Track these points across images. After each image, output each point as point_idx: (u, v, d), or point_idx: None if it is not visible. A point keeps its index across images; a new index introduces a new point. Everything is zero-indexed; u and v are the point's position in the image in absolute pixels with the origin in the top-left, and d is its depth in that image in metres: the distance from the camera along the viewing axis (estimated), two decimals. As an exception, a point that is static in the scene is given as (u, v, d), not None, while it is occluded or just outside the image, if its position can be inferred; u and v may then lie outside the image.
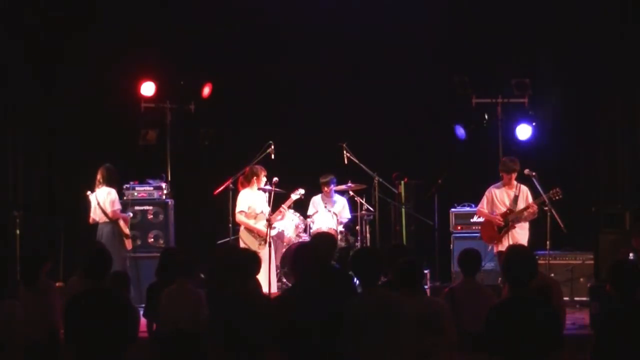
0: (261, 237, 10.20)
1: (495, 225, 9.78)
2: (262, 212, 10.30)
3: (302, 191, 10.74)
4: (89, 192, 10.22)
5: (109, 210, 10.05)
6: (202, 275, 8.62)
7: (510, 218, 9.69)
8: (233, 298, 5.99)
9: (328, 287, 5.99)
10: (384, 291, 5.70)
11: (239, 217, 10.29)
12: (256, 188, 10.35)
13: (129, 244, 10.28)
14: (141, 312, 7.22)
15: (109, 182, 10.16)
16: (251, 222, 10.24)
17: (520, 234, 9.69)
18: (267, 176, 10.39)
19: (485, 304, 6.18)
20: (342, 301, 5.50)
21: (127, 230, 10.24)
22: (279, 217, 10.51)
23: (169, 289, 6.41)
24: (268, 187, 10.43)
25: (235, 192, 10.53)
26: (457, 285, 6.78)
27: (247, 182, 10.36)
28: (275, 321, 5.70)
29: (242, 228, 10.32)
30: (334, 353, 5.39)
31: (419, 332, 5.56)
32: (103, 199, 10.08)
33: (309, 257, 6.07)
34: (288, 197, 10.60)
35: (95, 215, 10.14)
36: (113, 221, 10.09)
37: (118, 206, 10.18)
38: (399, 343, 5.33)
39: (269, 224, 10.18)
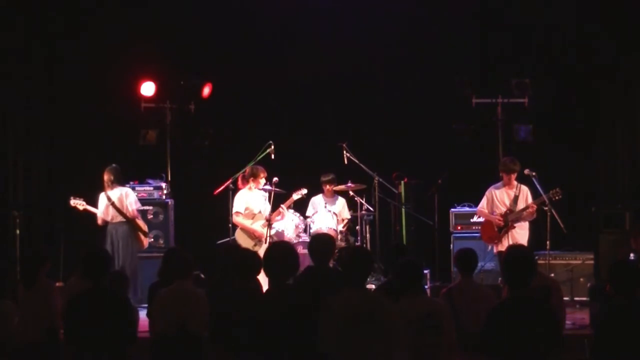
0: (257, 238, 10.21)
1: (495, 225, 9.78)
2: (260, 212, 10.30)
3: (304, 191, 10.74)
4: (72, 198, 10.12)
5: (130, 209, 10.06)
6: (202, 275, 8.63)
7: (510, 218, 9.69)
8: (234, 297, 5.98)
9: (326, 287, 5.99)
10: (369, 291, 5.71)
11: (235, 218, 10.32)
12: (254, 189, 10.35)
13: (146, 242, 10.33)
14: (143, 312, 7.26)
15: (120, 182, 10.18)
16: (248, 223, 10.25)
17: (520, 234, 9.69)
18: (267, 176, 10.38)
19: (483, 303, 6.20)
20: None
21: (146, 228, 10.28)
22: (279, 217, 10.51)
23: (167, 289, 6.42)
24: (268, 187, 10.44)
25: (235, 192, 10.54)
26: (455, 285, 6.78)
27: (246, 182, 10.37)
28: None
29: (238, 228, 10.34)
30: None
31: (417, 333, 5.56)
32: (118, 198, 10.06)
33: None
34: (290, 196, 10.59)
35: (107, 216, 10.10)
36: (129, 220, 10.10)
37: (139, 205, 10.23)
38: (381, 345, 5.34)
39: (269, 224, 10.19)
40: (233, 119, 12.29)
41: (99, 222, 10.16)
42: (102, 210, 10.11)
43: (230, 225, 10.65)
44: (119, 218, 10.07)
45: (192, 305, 6.29)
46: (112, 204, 10.05)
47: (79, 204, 10.12)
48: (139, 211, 10.37)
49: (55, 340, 6.77)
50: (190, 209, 11.77)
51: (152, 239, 11.02)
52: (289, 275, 5.75)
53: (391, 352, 5.34)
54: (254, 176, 10.30)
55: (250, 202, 10.32)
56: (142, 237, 10.22)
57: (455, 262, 6.88)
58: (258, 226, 10.27)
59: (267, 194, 10.45)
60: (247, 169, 10.39)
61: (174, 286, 6.39)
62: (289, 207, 10.66)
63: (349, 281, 5.50)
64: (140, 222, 10.25)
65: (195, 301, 6.33)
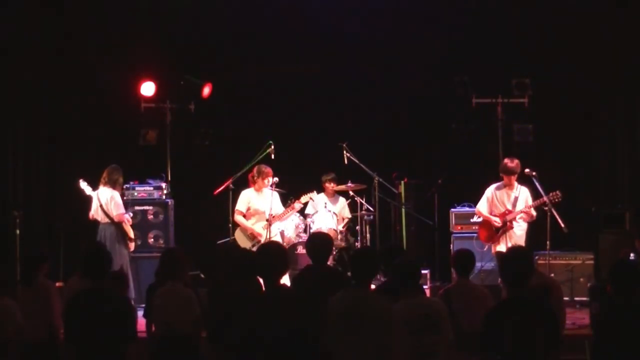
0: (254, 238, 10.21)
1: (492, 225, 9.77)
2: (263, 212, 10.29)
3: (315, 194, 10.73)
4: (81, 180, 10.14)
5: (114, 213, 10.04)
6: (202, 275, 8.64)
7: (508, 219, 9.68)
8: (233, 298, 5.98)
9: (323, 286, 5.99)
10: (366, 291, 5.72)
11: (235, 217, 10.37)
12: (262, 189, 10.36)
13: (132, 246, 10.27)
14: (141, 313, 7.26)
15: (111, 184, 10.15)
16: (248, 222, 10.26)
17: (518, 234, 9.68)
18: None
19: (480, 303, 6.21)
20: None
21: (131, 233, 10.23)
22: (291, 211, 10.51)
23: (161, 290, 6.42)
24: (268, 187, 10.43)
25: (236, 192, 10.55)
26: (452, 286, 6.79)
27: (253, 182, 10.41)
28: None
29: (238, 228, 10.36)
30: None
31: (416, 333, 5.57)
32: (106, 201, 10.05)
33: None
34: (298, 198, 10.53)
35: (97, 215, 10.11)
36: (116, 223, 10.08)
37: (122, 210, 10.17)
38: (375, 344, 5.36)
39: (269, 223, 10.19)
40: (233, 119, 12.29)
41: (89, 217, 10.17)
42: (94, 209, 10.13)
43: (230, 225, 10.66)
44: (106, 219, 10.08)
45: (181, 306, 6.30)
46: (100, 205, 10.06)
47: (86, 188, 10.14)
48: (130, 215, 10.34)
49: (56, 340, 6.77)
50: (190, 209, 11.77)
51: (152, 239, 11.03)
52: (279, 276, 5.71)
53: (386, 352, 5.37)
54: (261, 176, 10.30)
55: (254, 201, 10.34)
56: (127, 240, 10.20)
57: (452, 264, 6.89)
58: (258, 227, 10.27)
59: (277, 194, 10.43)
60: (255, 168, 10.40)
61: (166, 287, 6.40)
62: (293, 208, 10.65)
63: (350, 281, 5.54)
64: (126, 227, 10.17)
65: (185, 302, 6.34)
